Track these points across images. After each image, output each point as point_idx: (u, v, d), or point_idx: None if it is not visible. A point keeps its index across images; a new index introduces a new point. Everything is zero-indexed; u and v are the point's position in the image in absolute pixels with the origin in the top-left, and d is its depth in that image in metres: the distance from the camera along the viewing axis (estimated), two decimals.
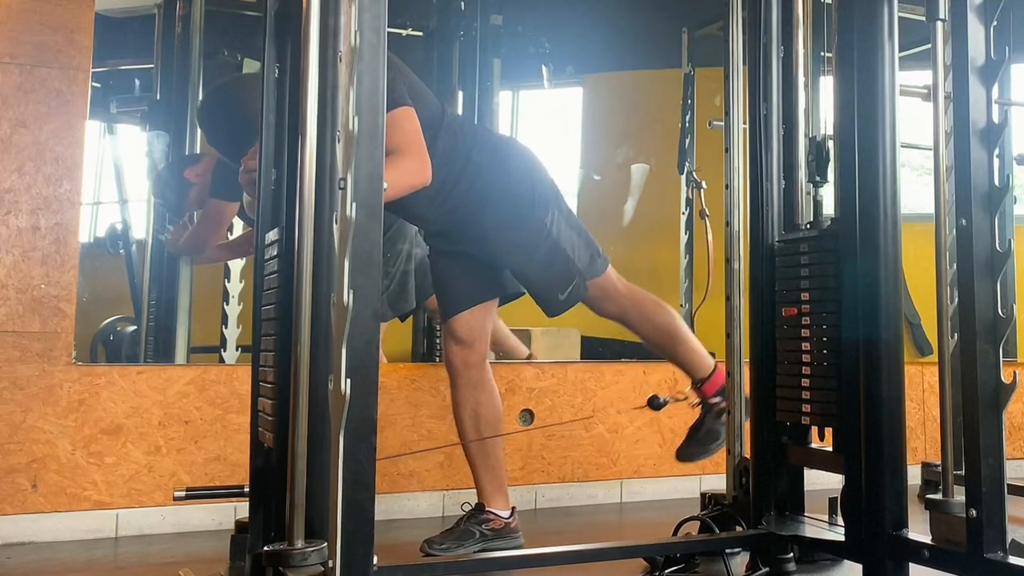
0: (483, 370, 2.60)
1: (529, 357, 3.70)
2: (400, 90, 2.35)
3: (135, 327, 4.02)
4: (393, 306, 3.44)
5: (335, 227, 1.51)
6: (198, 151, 3.95)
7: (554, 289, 2.58)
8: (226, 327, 3.88)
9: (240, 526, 1.99)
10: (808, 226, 2.31)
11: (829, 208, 2.30)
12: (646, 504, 3.41)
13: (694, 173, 4.56)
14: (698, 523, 2.38)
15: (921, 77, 3.41)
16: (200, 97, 3.99)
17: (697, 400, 2.73)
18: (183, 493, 2.07)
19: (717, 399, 2.69)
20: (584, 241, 2.64)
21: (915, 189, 6.08)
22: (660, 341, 2.72)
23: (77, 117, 2.80)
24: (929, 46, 1.94)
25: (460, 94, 4.70)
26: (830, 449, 2.16)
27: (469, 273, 2.61)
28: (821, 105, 3.00)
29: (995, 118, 1.79)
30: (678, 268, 4.80)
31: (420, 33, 4.81)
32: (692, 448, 2.76)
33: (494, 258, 2.58)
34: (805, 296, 2.21)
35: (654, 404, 2.69)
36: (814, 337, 2.18)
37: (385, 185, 1.61)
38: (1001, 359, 1.76)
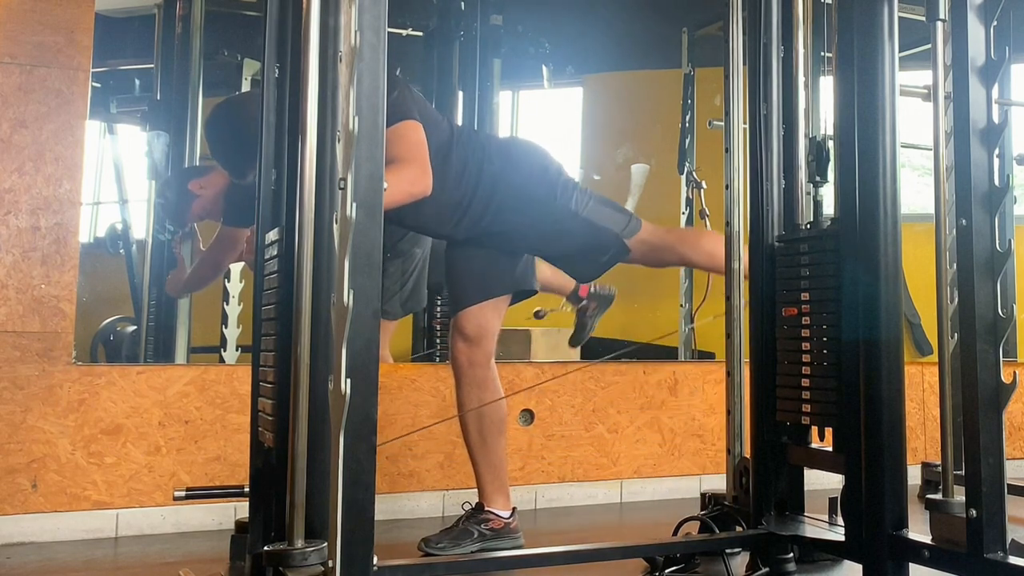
0: (488, 369, 2.61)
1: (576, 290, 3.50)
2: (407, 105, 2.43)
3: (135, 327, 4.01)
4: (404, 305, 3.46)
5: (335, 227, 1.51)
6: (199, 155, 3.95)
7: (597, 255, 2.70)
8: (226, 327, 3.88)
9: (240, 526, 1.99)
10: (808, 226, 2.31)
11: (829, 208, 2.30)
12: (646, 504, 3.41)
13: (694, 173, 4.55)
14: (698, 523, 2.38)
15: (921, 77, 3.41)
16: (210, 109, 3.98)
17: None
18: (183, 493, 2.08)
19: None
20: (616, 208, 2.77)
21: (915, 189, 6.07)
22: (716, 266, 2.80)
23: (77, 117, 2.80)
24: (929, 46, 1.94)
25: (460, 94, 4.69)
26: (830, 449, 2.16)
27: (484, 267, 2.64)
28: (821, 105, 3.00)
29: (995, 118, 1.79)
30: (678, 268, 4.80)
31: (420, 33, 4.80)
32: None
33: (532, 252, 2.70)
34: (805, 296, 2.21)
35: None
36: (814, 337, 2.17)
37: (385, 185, 1.61)
38: (1001, 359, 1.76)
